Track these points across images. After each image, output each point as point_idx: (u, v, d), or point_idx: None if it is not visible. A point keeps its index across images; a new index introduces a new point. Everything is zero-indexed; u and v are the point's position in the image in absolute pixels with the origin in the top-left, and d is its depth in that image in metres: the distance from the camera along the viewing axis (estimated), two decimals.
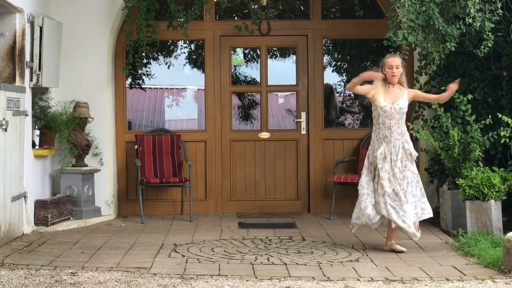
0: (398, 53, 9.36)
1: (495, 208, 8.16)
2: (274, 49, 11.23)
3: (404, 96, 7.72)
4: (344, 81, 11.70)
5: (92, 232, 8.88)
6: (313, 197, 10.50)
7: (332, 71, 11.47)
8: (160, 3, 9.97)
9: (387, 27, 8.45)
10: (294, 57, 10.85)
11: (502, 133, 8.57)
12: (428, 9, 8.19)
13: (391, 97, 7.70)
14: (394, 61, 7.75)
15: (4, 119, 7.81)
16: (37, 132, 9.31)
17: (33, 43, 8.97)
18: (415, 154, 7.71)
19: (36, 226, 8.90)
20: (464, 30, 8.54)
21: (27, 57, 8.83)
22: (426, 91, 9.63)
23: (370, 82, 7.90)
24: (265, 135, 10.58)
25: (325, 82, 10.71)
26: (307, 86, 10.54)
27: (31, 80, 8.97)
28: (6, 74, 8.61)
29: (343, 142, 10.54)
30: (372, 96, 7.74)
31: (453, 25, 8.46)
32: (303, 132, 10.56)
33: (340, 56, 11.62)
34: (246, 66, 11.46)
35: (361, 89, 7.86)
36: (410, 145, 7.70)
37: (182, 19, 9.88)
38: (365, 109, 11.54)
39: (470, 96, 8.90)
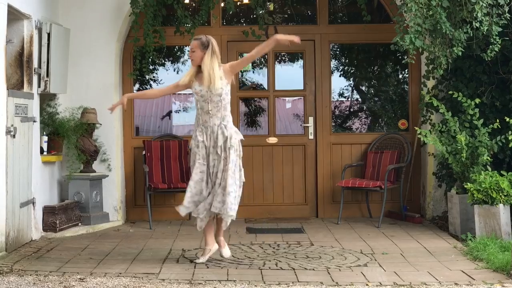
0: (405, 57, 9.35)
1: (503, 212, 8.14)
2: (282, 54, 11.23)
3: (220, 75, 7.21)
4: (352, 85, 11.69)
5: (100, 238, 8.89)
6: (321, 202, 10.49)
7: (340, 76, 11.45)
8: (167, 8, 9.99)
9: (394, 31, 8.46)
10: (301, 62, 10.85)
11: (510, 137, 8.56)
12: (435, 13, 8.19)
13: (206, 80, 7.16)
14: (191, 44, 7.28)
15: (12, 125, 7.82)
16: (45, 138, 9.33)
17: (41, 50, 9.00)
18: (235, 140, 7.19)
19: (45, 232, 8.92)
20: (471, 34, 8.54)
21: (35, 64, 8.85)
22: (434, 96, 9.64)
23: None
24: (272, 140, 10.58)
25: (332, 86, 10.70)
26: (314, 91, 10.55)
27: (39, 86, 8.99)
28: (14, 80, 8.63)
29: (351, 146, 10.54)
30: (188, 82, 7.29)
31: (460, 29, 8.46)
32: (311, 137, 10.56)
33: (347, 60, 11.61)
34: (253, 72, 11.46)
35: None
36: (230, 130, 7.20)
37: (189, 25, 9.91)
38: (373, 114, 11.53)
39: (477, 100, 8.89)
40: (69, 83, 9.80)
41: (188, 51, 7.83)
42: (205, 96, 7.22)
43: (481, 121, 8.85)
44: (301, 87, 10.67)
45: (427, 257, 7.61)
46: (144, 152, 10.14)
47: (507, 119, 8.64)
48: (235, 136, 7.27)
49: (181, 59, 11.47)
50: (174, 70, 11.39)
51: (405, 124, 10.57)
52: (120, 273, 6.83)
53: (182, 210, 7.31)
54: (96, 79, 10.02)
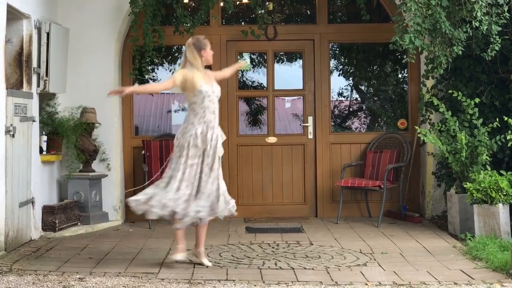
0: (405, 57, 9.36)
1: (503, 212, 8.14)
2: (281, 53, 11.24)
3: (213, 79, 7.27)
4: (351, 85, 11.70)
5: (100, 238, 8.89)
6: (320, 202, 10.49)
7: (339, 75, 11.46)
8: (166, 8, 9.99)
9: (393, 31, 8.45)
10: (300, 61, 10.85)
11: (509, 137, 8.56)
12: (434, 12, 8.19)
13: (210, 81, 7.19)
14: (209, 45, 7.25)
15: (11, 125, 7.82)
16: (45, 137, 9.33)
17: (40, 49, 9.00)
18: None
19: (44, 231, 8.91)
20: (471, 34, 8.54)
21: (34, 63, 8.85)
22: (433, 95, 9.64)
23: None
24: (272, 139, 10.58)
25: (331, 86, 10.70)
26: (313, 90, 10.54)
27: (38, 86, 8.99)
28: (14, 80, 8.63)
29: (350, 146, 10.54)
30: (187, 81, 7.04)
31: (459, 29, 8.46)
32: (310, 136, 10.56)
33: (346, 60, 11.61)
34: (253, 71, 11.46)
35: (163, 86, 7.36)
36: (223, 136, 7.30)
37: (188, 24, 9.90)
38: (372, 113, 11.53)
39: (477, 100, 8.90)
40: (69, 82, 9.79)
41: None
42: (211, 96, 7.17)
43: (481, 120, 8.85)
44: (301, 87, 10.67)
45: (426, 256, 7.61)
46: (143, 152, 10.13)
47: (506, 119, 8.64)
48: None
49: (180, 59, 11.47)
50: (173, 70, 11.39)
51: (405, 123, 10.57)
52: (120, 273, 6.83)
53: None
54: (95, 78, 10.01)
